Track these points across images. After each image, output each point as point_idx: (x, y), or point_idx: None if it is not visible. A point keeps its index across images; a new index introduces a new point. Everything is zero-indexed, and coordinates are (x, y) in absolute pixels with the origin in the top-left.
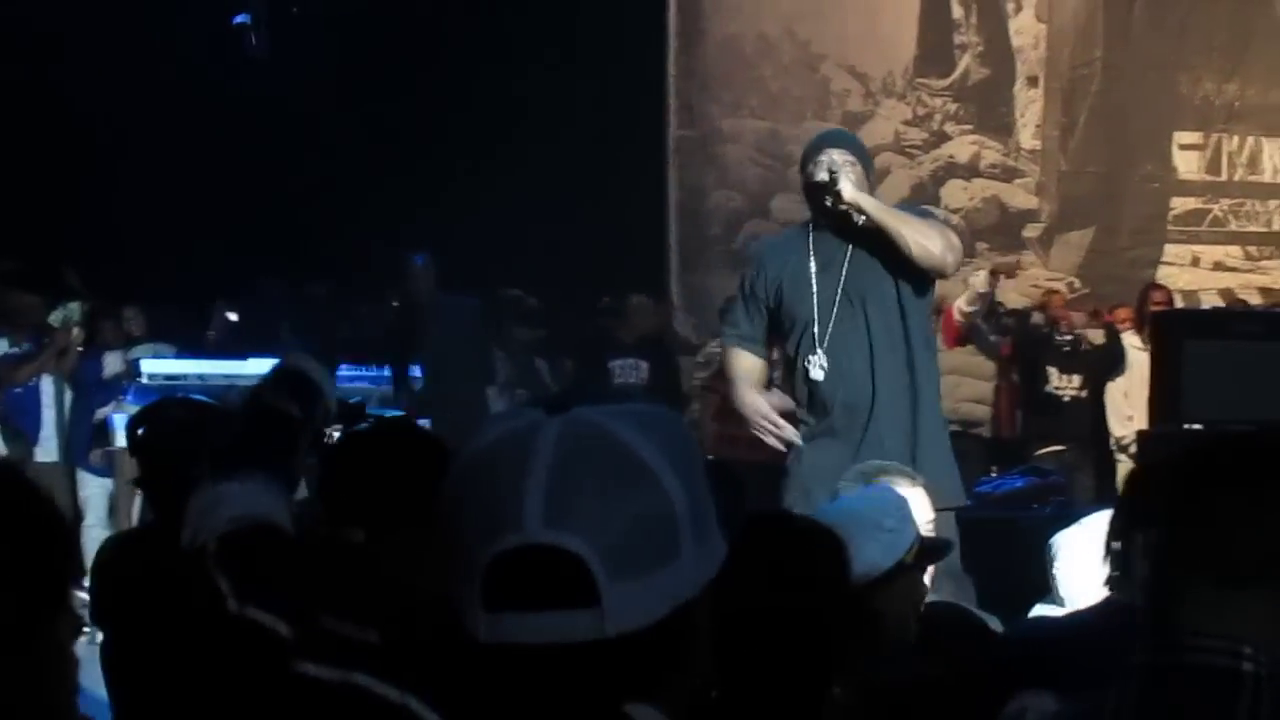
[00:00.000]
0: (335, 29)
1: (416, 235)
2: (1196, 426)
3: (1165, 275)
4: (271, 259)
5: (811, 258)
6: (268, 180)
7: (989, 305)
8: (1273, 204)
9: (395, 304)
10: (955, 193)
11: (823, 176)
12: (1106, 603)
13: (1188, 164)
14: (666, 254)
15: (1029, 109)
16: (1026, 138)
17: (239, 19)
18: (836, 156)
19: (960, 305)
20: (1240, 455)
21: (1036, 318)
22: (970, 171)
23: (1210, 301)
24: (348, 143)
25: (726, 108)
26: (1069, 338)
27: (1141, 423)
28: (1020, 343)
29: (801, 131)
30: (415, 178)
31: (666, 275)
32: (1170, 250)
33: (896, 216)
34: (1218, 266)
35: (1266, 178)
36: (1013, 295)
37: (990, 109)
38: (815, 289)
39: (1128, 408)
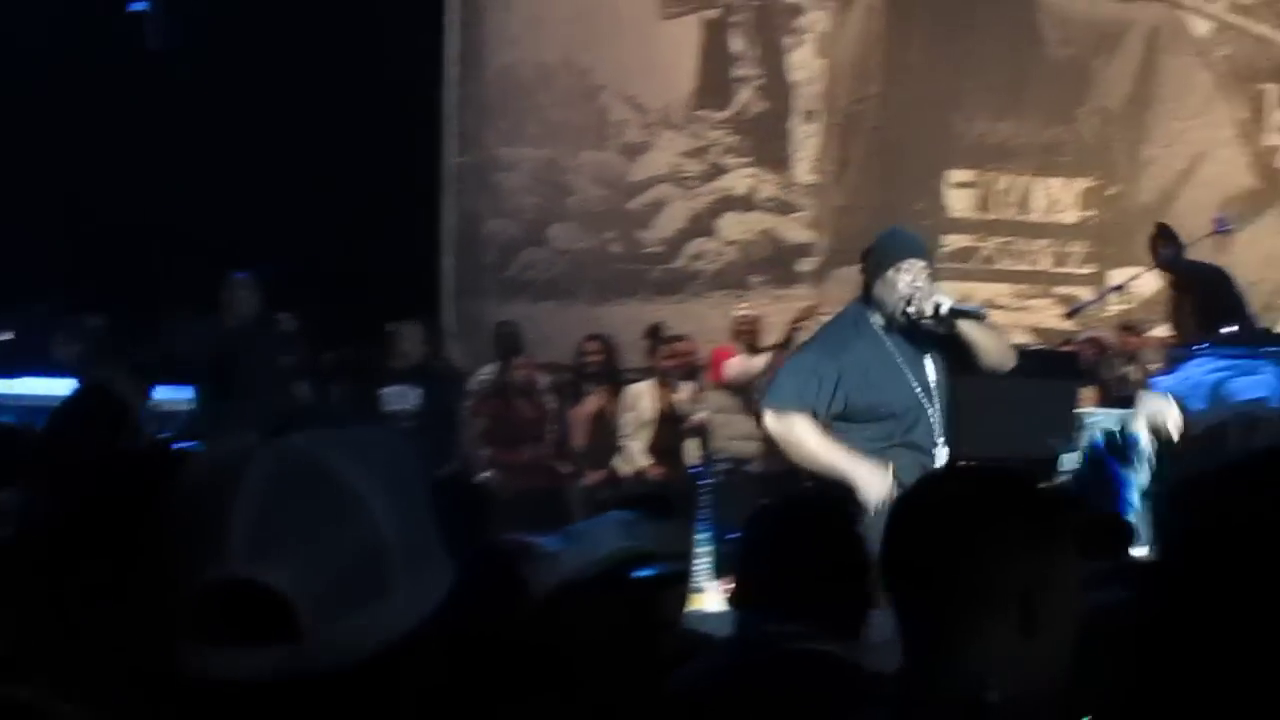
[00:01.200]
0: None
1: (193, 253)
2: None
3: None
4: (55, 273)
5: (895, 353)
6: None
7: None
8: (1042, 243)
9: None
10: (731, 225)
11: (929, 310)
12: None
13: (960, 202)
14: (440, 281)
15: (806, 143)
16: (803, 172)
17: (136, 6)
18: (920, 271)
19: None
20: (966, 490)
21: None
22: (746, 204)
23: None
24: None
25: (504, 136)
26: None
27: None
28: None
29: (580, 160)
30: (199, 197)
31: (440, 302)
32: (942, 288)
33: (989, 331)
34: (988, 304)
35: (1036, 217)
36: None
37: (768, 142)
38: (907, 381)
39: None
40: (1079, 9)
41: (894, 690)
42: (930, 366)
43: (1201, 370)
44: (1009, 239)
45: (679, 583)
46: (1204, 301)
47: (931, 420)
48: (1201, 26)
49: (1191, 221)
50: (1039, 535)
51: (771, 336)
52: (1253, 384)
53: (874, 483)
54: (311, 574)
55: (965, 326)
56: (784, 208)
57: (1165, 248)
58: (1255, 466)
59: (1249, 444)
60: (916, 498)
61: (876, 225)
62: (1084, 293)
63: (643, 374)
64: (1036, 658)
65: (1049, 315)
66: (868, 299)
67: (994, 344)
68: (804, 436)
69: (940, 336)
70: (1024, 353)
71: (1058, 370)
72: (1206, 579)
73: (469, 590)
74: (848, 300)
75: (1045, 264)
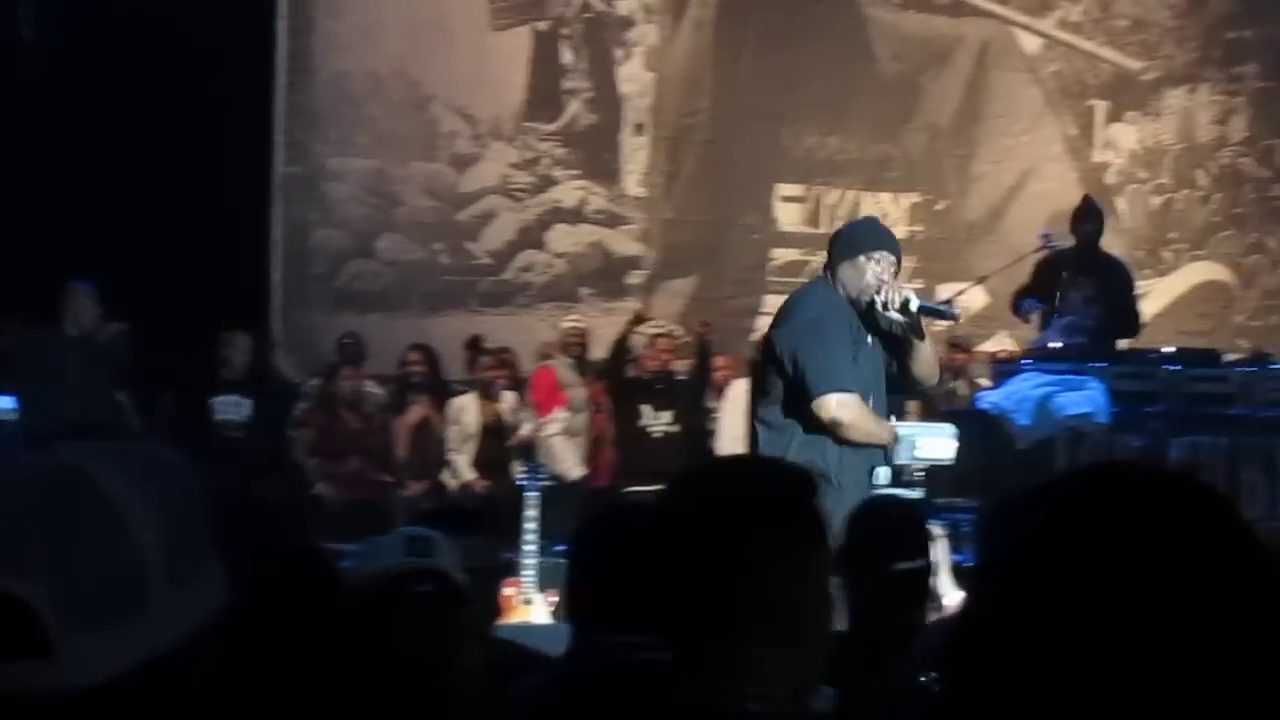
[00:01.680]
0: None
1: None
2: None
3: (766, 325)
4: None
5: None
6: None
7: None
8: None
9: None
10: (561, 238)
11: (897, 303)
12: None
13: (788, 216)
14: (269, 291)
15: (635, 156)
16: (632, 185)
17: None
18: (889, 265)
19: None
20: (717, 495)
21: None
22: (576, 217)
23: None
24: None
25: (334, 145)
26: (660, 378)
27: None
28: (616, 384)
29: (409, 171)
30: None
31: (269, 312)
32: (771, 300)
33: (929, 343)
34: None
35: None
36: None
37: (597, 155)
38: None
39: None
40: (909, 25)
41: (666, 702)
42: (880, 349)
43: (1028, 385)
44: None
45: (477, 596)
46: (1102, 291)
47: (882, 398)
48: (1031, 43)
49: (1019, 237)
50: (790, 543)
51: (600, 349)
52: (1079, 399)
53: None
54: (64, 587)
55: (917, 332)
56: (613, 220)
57: (1088, 223)
58: (1068, 487)
59: (1075, 459)
60: (668, 503)
61: (705, 239)
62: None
63: (467, 386)
64: (796, 666)
65: None
66: (829, 278)
67: (930, 356)
68: (865, 414)
69: (886, 332)
70: None
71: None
72: (1016, 599)
73: (254, 601)
74: (676, 313)
75: None
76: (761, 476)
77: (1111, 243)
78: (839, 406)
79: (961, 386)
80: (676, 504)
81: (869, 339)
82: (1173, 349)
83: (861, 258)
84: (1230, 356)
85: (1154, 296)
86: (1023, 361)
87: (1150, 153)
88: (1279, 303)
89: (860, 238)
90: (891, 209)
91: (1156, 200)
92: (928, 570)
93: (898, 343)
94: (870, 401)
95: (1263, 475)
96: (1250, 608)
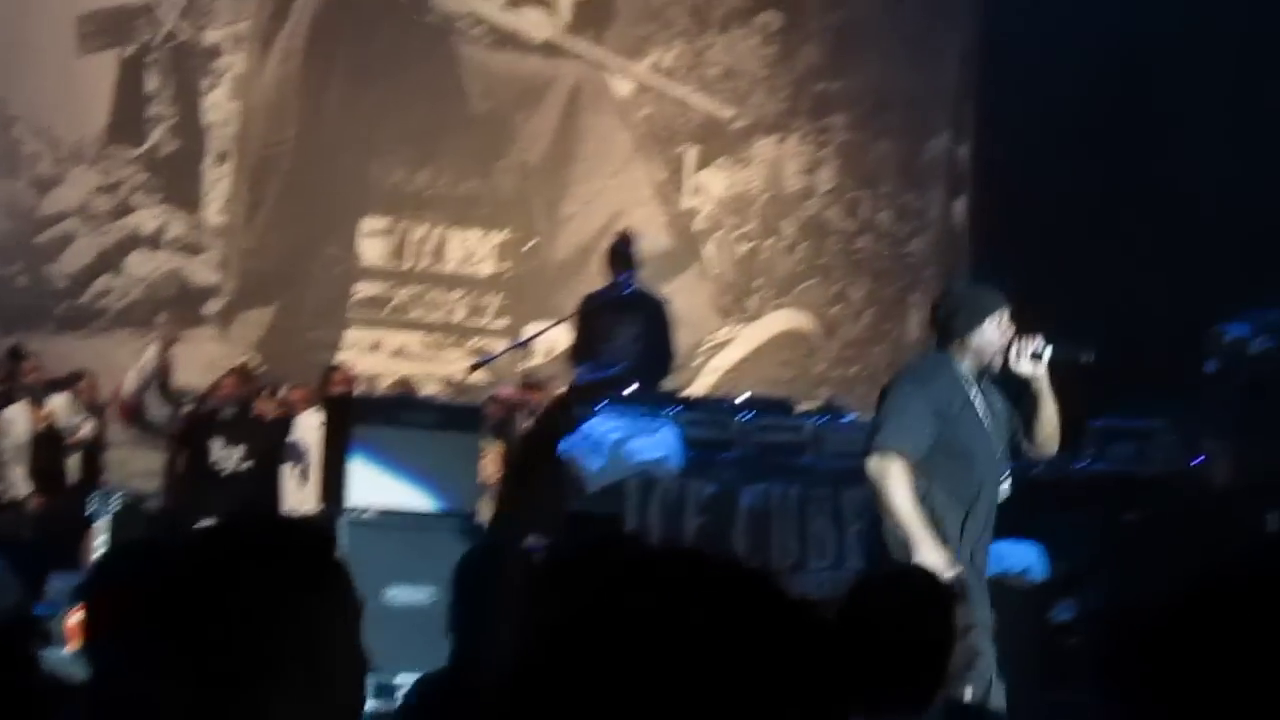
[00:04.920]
0: None
1: None
2: (364, 509)
3: (346, 360)
4: None
5: (979, 404)
6: None
7: (161, 379)
8: (456, 294)
9: None
10: (139, 264)
11: (1030, 353)
12: None
13: (373, 249)
14: None
15: (218, 185)
16: (213, 213)
17: None
18: (1010, 322)
19: (129, 380)
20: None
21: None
22: (154, 243)
23: (389, 388)
24: None
25: None
26: (232, 411)
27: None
28: (188, 416)
29: None
30: None
31: None
32: (352, 335)
33: (1054, 407)
34: (398, 354)
35: (450, 268)
36: (194, 372)
37: (179, 182)
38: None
39: (299, 486)
40: (500, 63)
41: None
42: (1003, 424)
43: (602, 429)
44: (423, 288)
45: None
46: (648, 334)
47: (1000, 474)
48: (623, 87)
49: (608, 279)
50: (306, 597)
51: (182, 375)
52: (651, 444)
53: (938, 566)
54: None
55: (1043, 392)
56: (192, 248)
57: (622, 270)
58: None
59: (645, 504)
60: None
61: (286, 269)
62: (498, 345)
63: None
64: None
65: (460, 367)
66: (946, 346)
67: (1054, 418)
68: (898, 485)
69: (1011, 400)
70: (430, 405)
71: (462, 424)
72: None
73: None
74: (254, 342)
75: (459, 315)
76: (278, 531)
77: (697, 288)
78: (876, 462)
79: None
80: (201, 556)
81: (999, 412)
82: (746, 397)
83: (986, 322)
84: (805, 406)
85: (738, 343)
86: (596, 405)
87: (738, 200)
88: (859, 353)
89: (980, 304)
90: (479, 246)
91: (743, 247)
92: None
93: (1022, 407)
94: (980, 491)
95: (831, 525)
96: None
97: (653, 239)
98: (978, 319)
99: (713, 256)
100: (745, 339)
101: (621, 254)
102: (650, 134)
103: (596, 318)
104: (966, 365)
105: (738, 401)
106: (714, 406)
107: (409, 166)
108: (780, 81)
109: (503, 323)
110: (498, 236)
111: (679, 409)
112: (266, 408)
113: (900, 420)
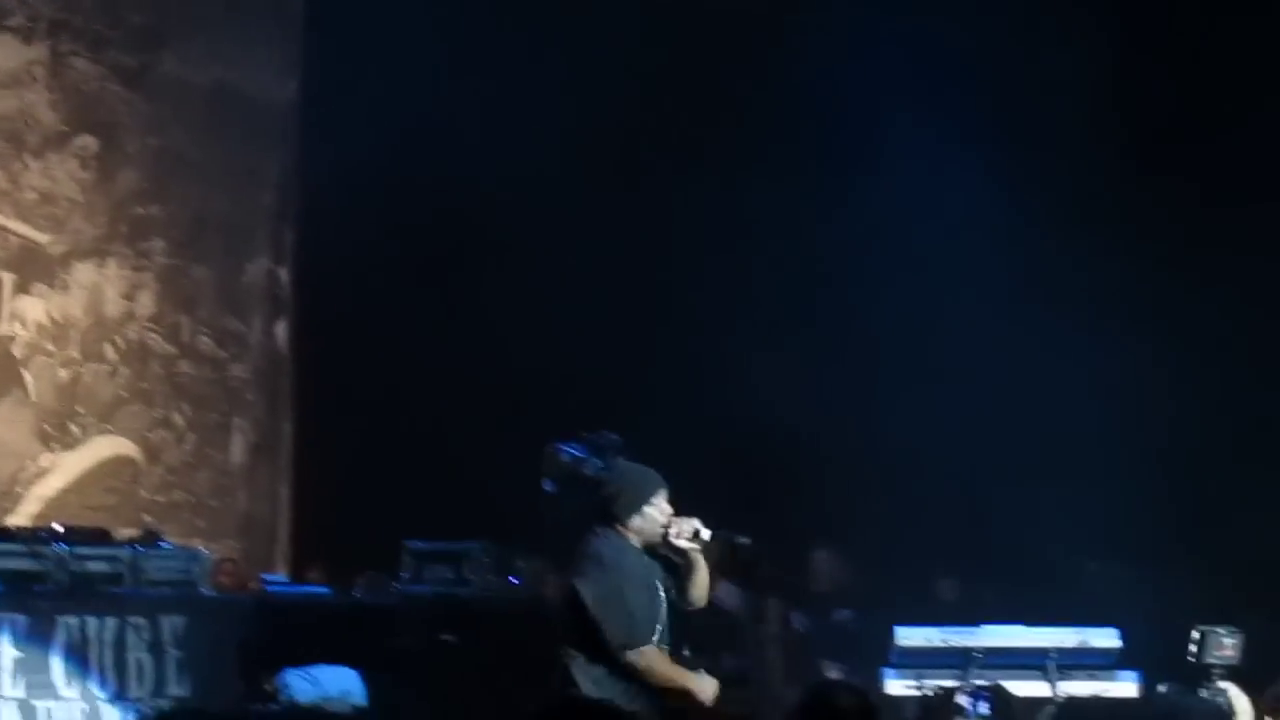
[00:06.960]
0: None
1: None
2: None
3: None
4: None
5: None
6: None
7: None
8: None
9: None
10: None
11: (689, 534)
12: None
13: None
14: None
15: None
16: None
17: None
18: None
19: None
20: None
21: None
22: None
23: None
24: None
25: None
26: None
27: None
28: None
29: None
30: None
31: None
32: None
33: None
34: None
35: None
36: None
37: None
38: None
39: None
40: None
41: None
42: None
43: None
44: None
45: None
46: None
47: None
48: None
49: None
50: None
51: None
52: None
53: (709, 692)
54: None
55: (696, 558)
56: None
57: None
58: None
59: None
60: None
61: None
62: None
63: None
64: None
65: None
66: (612, 526)
67: (706, 581)
68: (661, 662)
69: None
70: None
71: None
72: None
73: None
74: None
75: None
76: None
77: (18, 416)
78: (637, 659)
79: None
80: None
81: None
82: (62, 527)
83: (647, 506)
84: (125, 534)
85: (60, 471)
86: None
87: (59, 326)
88: (182, 479)
89: (641, 487)
90: None
91: (65, 373)
92: None
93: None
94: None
95: (149, 654)
96: None
97: None
98: (639, 503)
99: (33, 384)
100: (68, 467)
101: None
102: None
103: None
104: (635, 541)
105: (53, 531)
106: (28, 537)
107: None
108: (99, 206)
109: None
110: None
111: None
112: None
113: (620, 616)
